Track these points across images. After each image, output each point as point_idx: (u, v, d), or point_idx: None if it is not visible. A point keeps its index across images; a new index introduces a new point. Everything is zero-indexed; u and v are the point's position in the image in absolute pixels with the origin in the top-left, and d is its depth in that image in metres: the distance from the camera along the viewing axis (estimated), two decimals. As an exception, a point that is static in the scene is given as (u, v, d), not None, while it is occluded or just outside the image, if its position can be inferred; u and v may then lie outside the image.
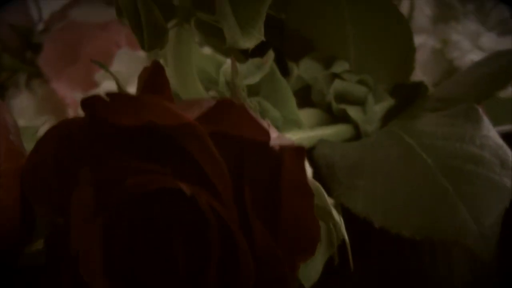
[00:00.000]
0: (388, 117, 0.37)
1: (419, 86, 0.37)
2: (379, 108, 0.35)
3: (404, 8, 0.53)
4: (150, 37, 0.25)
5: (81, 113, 0.42)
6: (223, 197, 0.21)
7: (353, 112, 0.35)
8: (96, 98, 0.22)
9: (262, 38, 0.25)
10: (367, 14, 0.36)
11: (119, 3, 0.25)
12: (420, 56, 0.49)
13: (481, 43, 0.49)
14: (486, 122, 0.31)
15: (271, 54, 0.32)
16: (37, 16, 0.55)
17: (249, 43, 0.26)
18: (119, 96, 0.22)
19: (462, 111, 0.32)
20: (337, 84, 0.35)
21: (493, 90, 0.35)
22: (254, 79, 0.32)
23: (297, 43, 0.37)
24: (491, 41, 0.49)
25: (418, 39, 0.48)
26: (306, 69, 0.36)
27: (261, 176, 0.21)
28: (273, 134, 0.22)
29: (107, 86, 0.44)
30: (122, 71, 0.46)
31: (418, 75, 0.48)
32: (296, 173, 0.21)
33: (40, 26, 0.56)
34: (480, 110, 0.32)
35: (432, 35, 0.50)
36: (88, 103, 0.22)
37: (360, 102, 0.36)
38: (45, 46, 0.50)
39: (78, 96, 0.46)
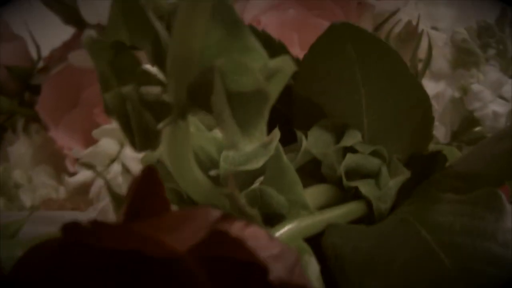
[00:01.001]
0: (403, 192, 0.34)
1: (437, 157, 0.35)
2: (393, 183, 0.33)
3: (422, 50, 0.50)
4: (141, 139, 0.23)
5: (77, 169, 0.40)
6: None
7: (365, 188, 0.33)
8: (77, 225, 0.20)
9: (264, 139, 0.23)
10: (381, 79, 0.34)
11: (107, 102, 0.23)
12: (439, 104, 0.47)
13: (504, 92, 0.47)
14: (510, 212, 0.29)
15: (276, 134, 0.30)
16: (36, 55, 0.54)
17: (249, 145, 0.24)
18: (103, 225, 0.20)
19: (483, 197, 0.30)
20: (349, 158, 0.33)
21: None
22: (257, 163, 0.30)
23: (306, 110, 0.35)
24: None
25: (437, 86, 0.46)
26: (315, 140, 0.34)
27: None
28: (275, 267, 0.20)
29: (105, 143, 0.42)
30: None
31: (435, 125, 0.46)
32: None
33: (40, 64, 0.54)
34: (504, 196, 0.29)
35: (452, 81, 0.48)
36: (68, 229, 0.20)
37: (373, 175, 0.34)
38: (43, 90, 0.49)
39: (76, 151, 0.44)
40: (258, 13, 0.46)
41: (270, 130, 0.37)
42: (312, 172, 0.34)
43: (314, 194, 0.33)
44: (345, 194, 0.34)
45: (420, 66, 0.50)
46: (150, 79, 0.23)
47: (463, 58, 0.48)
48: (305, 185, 0.34)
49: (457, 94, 0.46)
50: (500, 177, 0.33)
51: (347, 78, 0.34)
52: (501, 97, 0.47)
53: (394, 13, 0.49)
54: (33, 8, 0.51)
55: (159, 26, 0.24)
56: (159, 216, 0.22)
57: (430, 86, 0.48)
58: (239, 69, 0.22)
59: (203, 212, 0.22)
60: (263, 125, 0.24)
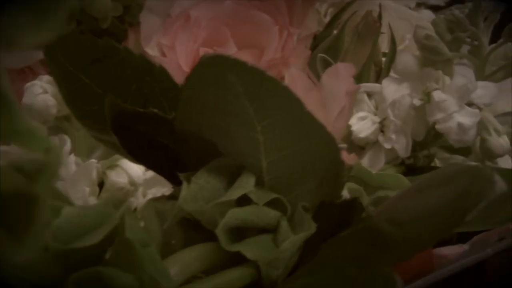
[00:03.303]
0: (310, 248, 0.29)
1: (353, 206, 0.30)
2: (289, 244, 0.28)
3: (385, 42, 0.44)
4: None
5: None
6: None
7: (252, 252, 0.28)
8: None
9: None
10: (277, 117, 0.28)
11: None
12: (395, 113, 0.41)
13: (474, 98, 0.41)
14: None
15: (119, 198, 0.25)
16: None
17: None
18: None
19: (378, 280, 0.24)
20: (231, 215, 0.28)
21: (451, 226, 0.27)
22: (96, 237, 0.25)
23: (197, 146, 0.30)
24: (486, 94, 0.41)
25: (398, 89, 0.41)
26: (199, 189, 0.29)
27: None
28: None
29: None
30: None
31: (392, 137, 0.40)
32: None
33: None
34: (399, 282, 0.24)
35: (418, 83, 0.42)
36: None
37: (271, 229, 0.29)
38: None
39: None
40: (187, 6, 0.41)
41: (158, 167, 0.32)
42: (197, 225, 0.29)
43: (195, 255, 0.28)
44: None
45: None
46: None
47: (429, 57, 0.42)
48: (190, 241, 0.29)
49: (417, 102, 0.40)
50: (432, 233, 0.27)
51: (238, 111, 0.28)
52: (471, 104, 0.41)
53: (351, 2, 0.42)
54: None
55: None
56: None
57: (390, 89, 0.42)
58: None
59: None
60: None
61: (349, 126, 0.42)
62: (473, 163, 0.28)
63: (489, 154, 0.41)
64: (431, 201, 0.27)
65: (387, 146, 0.41)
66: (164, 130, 0.30)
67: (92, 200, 0.35)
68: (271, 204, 0.29)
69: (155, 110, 0.30)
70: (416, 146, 0.44)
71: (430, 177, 0.29)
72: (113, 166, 0.36)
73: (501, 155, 0.41)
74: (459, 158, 0.47)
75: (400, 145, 0.42)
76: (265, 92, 0.27)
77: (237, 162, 0.30)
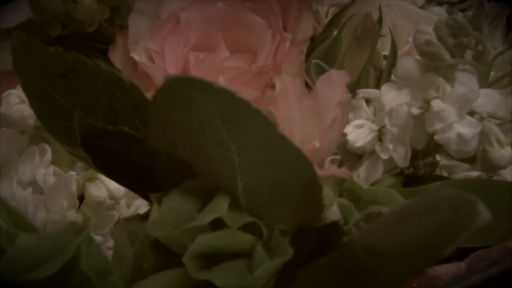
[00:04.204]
0: (287, 274, 0.28)
1: (333, 229, 0.28)
2: (262, 271, 0.27)
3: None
4: None
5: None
6: None
7: (222, 280, 0.26)
8: None
9: None
10: (250, 138, 0.27)
11: None
12: (392, 122, 0.39)
13: (476, 107, 0.39)
14: None
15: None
16: None
17: None
18: None
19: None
20: (200, 242, 0.26)
21: (428, 259, 0.25)
22: (51, 269, 0.24)
23: (171, 166, 0.29)
24: (490, 102, 0.39)
25: (397, 96, 0.39)
26: (169, 211, 0.27)
27: None
28: None
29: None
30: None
31: (389, 147, 0.39)
32: None
33: None
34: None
35: (419, 90, 0.40)
36: None
37: (246, 255, 0.28)
38: None
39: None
40: (177, 8, 0.39)
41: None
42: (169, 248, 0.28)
43: (165, 282, 0.27)
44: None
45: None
46: None
47: (430, 63, 0.40)
48: (162, 265, 0.28)
49: (416, 111, 0.39)
50: (414, 265, 0.26)
51: (210, 131, 0.27)
52: (473, 113, 0.39)
53: (349, 4, 0.41)
54: None
55: None
56: None
57: (389, 96, 0.41)
58: None
59: None
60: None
61: (344, 135, 0.40)
62: (456, 192, 0.26)
63: (491, 166, 0.39)
64: (409, 231, 0.25)
65: (384, 156, 0.39)
66: (135, 148, 0.29)
67: (71, 214, 0.34)
68: (247, 227, 0.28)
69: (125, 128, 0.28)
70: (418, 154, 0.42)
71: (409, 205, 0.28)
72: (92, 179, 0.35)
73: (503, 167, 0.39)
74: (463, 166, 0.45)
75: (399, 154, 0.40)
76: (236, 112, 0.26)
77: (213, 182, 0.28)
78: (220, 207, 0.28)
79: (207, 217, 0.27)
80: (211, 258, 0.27)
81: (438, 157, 0.44)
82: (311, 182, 0.27)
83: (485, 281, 0.34)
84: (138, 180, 0.30)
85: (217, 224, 0.28)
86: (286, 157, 0.27)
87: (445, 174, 0.45)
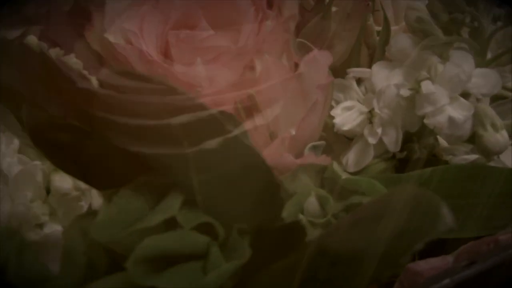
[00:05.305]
0: (244, 279, 0.26)
1: (293, 230, 0.27)
2: (214, 276, 0.25)
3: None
4: None
5: None
6: None
7: (169, 286, 0.25)
8: None
9: None
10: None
11: None
12: (385, 102, 0.37)
13: (470, 88, 0.37)
14: None
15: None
16: None
17: None
18: None
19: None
20: (145, 246, 0.25)
21: (384, 267, 0.24)
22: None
23: (118, 162, 0.27)
24: (485, 83, 0.37)
25: (388, 76, 0.37)
26: (117, 211, 0.26)
27: None
28: None
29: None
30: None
31: (377, 131, 0.37)
32: None
33: None
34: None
35: (412, 69, 0.38)
36: None
37: (200, 257, 0.26)
38: None
39: None
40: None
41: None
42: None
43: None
44: None
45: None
46: None
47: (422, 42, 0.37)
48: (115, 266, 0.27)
49: (406, 92, 0.36)
50: (374, 271, 0.24)
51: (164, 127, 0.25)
52: (468, 95, 0.37)
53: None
54: None
55: None
56: None
57: (381, 76, 0.38)
58: None
59: None
60: None
61: (332, 118, 0.38)
62: (418, 192, 0.24)
63: (485, 151, 0.37)
64: (365, 237, 0.24)
65: (372, 141, 0.37)
66: (86, 142, 0.27)
67: (36, 206, 0.33)
68: (202, 227, 0.26)
69: (75, 122, 0.27)
70: (413, 137, 0.40)
71: (368, 207, 0.26)
72: (57, 169, 0.33)
73: (498, 153, 0.37)
74: (463, 149, 0.43)
75: (389, 138, 0.38)
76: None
77: (167, 179, 0.27)
78: (171, 207, 0.26)
79: (156, 217, 0.26)
80: (162, 261, 0.26)
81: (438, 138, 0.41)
82: (269, 181, 0.26)
83: (474, 276, 0.32)
84: (92, 174, 0.29)
85: (172, 224, 0.27)
86: (240, 157, 0.25)
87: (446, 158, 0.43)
